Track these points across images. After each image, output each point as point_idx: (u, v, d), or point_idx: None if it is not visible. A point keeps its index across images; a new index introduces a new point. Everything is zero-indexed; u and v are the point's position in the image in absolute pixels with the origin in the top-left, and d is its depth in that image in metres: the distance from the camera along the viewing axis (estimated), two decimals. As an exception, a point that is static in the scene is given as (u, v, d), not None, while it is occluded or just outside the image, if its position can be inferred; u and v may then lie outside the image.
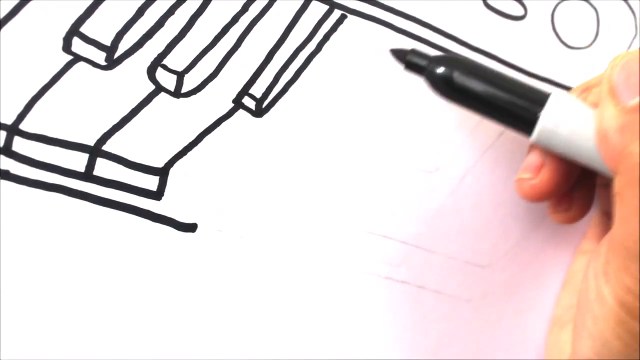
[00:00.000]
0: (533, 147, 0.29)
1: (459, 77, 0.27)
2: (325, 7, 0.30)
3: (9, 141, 0.25)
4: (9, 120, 0.25)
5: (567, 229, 0.34)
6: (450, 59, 0.28)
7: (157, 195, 0.27)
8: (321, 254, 0.29)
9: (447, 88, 0.27)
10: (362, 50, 0.30)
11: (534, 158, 0.28)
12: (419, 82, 0.29)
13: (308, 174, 0.29)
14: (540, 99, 0.26)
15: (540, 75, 0.34)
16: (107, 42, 0.27)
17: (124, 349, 0.27)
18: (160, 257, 0.27)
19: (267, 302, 0.29)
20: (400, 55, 0.28)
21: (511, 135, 0.33)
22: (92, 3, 0.27)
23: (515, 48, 0.34)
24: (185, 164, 0.28)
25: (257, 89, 0.29)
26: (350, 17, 0.30)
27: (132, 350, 0.27)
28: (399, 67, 0.29)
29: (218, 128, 0.28)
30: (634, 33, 0.36)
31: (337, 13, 0.30)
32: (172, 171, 0.27)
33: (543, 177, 0.28)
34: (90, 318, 0.26)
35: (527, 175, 0.28)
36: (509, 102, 0.27)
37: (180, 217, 0.27)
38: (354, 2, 0.30)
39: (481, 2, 0.33)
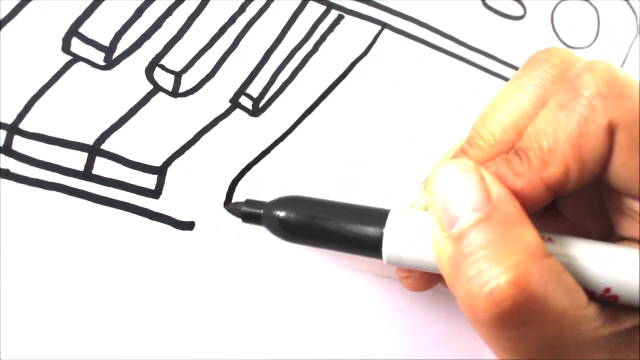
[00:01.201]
0: None
1: (297, 217, 0.26)
2: (323, 8, 0.30)
3: (9, 140, 0.26)
4: (9, 119, 0.26)
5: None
6: (283, 202, 0.27)
7: (156, 193, 0.27)
8: (318, 253, 0.29)
9: (287, 231, 0.26)
10: (359, 51, 0.31)
11: None
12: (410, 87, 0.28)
13: (304, 172, 0.30)
14: (377, 223, 0.24)
15: (540, 75, 0.34)
16: (106, 42, 0.27)
17: (123, 347, 0.27)
18: (158, 255, 0.27)
19: (265, 300, 0.29)
20: (235, 209, 0.28)
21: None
22: (91, 4, 0.27)
23: (515, 48, 0.34)
24: (183, 162, 0.28)
25: (254, 89, 0.29)
26: (347, 18, 0.30)
27: (132, 347, 0.27)
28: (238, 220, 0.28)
29: (215, 127, 0.28)
30: (635, 33, 0.36)
31: (334, 13, 0.30)
32: (170, 170, 0.28)
33: (416, 275, 0.27)
34: (90, 316, 0.26)
35: (402, 274, 0.27)
36: (351, 233, 0.25)
37: (178, 215, 0.28)
38: (351, 3, 0.30)
39: (480, 1, 0.33)
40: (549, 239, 0.22)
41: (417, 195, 0.26)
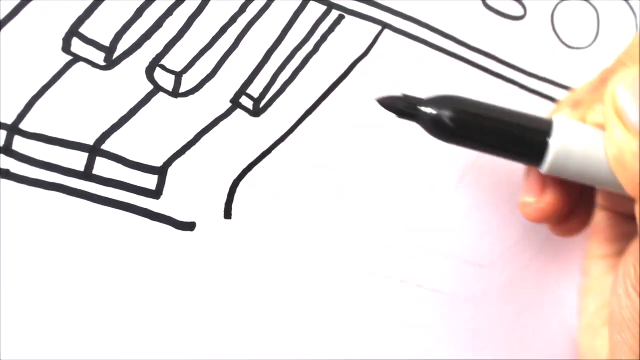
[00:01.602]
0: (531, 168, 0.28)
1: (456, 117, 0.25)
2: (323, 8, 0.30)
3: (9, 140, 0.26)
4: (9, 119, 0.26)
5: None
6: (445, 99, 0.25)
7: (156, 194, 0.27)
8: (319, 253, 0.30)
9: (445, 131, 0.25)
10: (359, 51, 0.31)
11: (535, 180, 0.28)
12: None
13: (305, 172, 0.30)
14: (543, 128, 0.25)
15: (540, 75, 0.34)
16: (106, 42, 0.27)
17: (123, 348, 0.27)
18: (158, 256, 0.27)
19: (266, 301, 0.29)
20: (389, 102, 0.26)
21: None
22: (91, 4, 0.27)
23: (515, 48, 0.34)
24: (184, 163, 0.28)
25: (255, 89, 0.29)
26: (348, 18, 0.30)
27: (132, 348, 0.27)
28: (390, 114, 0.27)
29: (216, 127, 0.28)
30: (634, 33, 0.36)
31: (334, 13, 0.30)
32: (171, 170, 0.28)
33: (547, 199, 0.27)
34: (90, 317, 0.26)
35: (530, 199, 0.27)
36: (513, 137, 0.25)
37: (179, 215, 0.28)
38: (352, 3, 0.30)
39: (480, 1, 0.33)
40: None
41: (569, 113, 0.27)
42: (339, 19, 0.30)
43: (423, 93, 0.30)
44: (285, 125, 0.29)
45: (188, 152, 0.28)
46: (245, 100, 0.29)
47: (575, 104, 0.27)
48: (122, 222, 0.27)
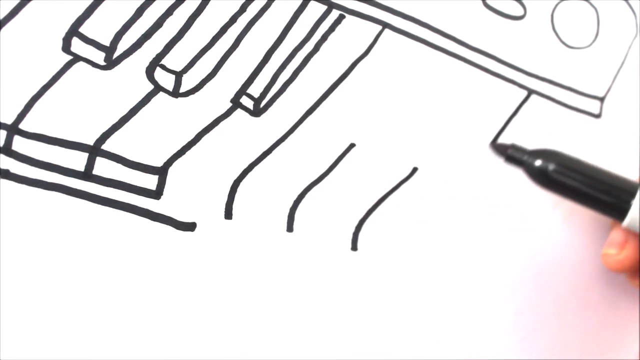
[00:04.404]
0: (616, 223, 0.31)
1: (555, 170, 0.30)
2: (324, 8, 0.30)
3: (9, 140, 0.26)
4: (9, 119, 0.26)
5: (568, 229, 0.34)
6: (547, 153, 0.30)
7: (156, 194, 0.27)
8: (318, 253, 0.30)
9: (545, 180, 0.30)
10: (360, 50, 0.31)
11: (618, 235, 0.31)
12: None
13: (306, 172, 0.30)
14: (630, 189, 0.29)
15: (540, 75, 0.34)
16: (106, 42, 0.27)
17: (123, 348, 0.27)
18: (159, 256, 0.27)
19: (266, 301, 0.29)
20: (501, 149, 0.31)
21: (518, 129, 0.33)
22: (92, 4, 0.27)
23: (515, 48, 0.34)
24: (184, 163, 0.28)
25: (255, 89, 0.29)
26: (349, 17, 0.30)
27: (132, 349, 0.27)
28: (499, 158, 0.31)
29: (216, 127, 0.28)
30: (634, 33, 0.36)
31: (335, 13, 0.30)
32: (171, 170, 0.28)
33: (627, 253, 0.29)
34: (90, 317, 0.26)
35: (612, 251, 0.30)
36: (602, 194, 0.30)
37: (179, 216, 0.28)
38: (352, 2, 0.30)
39: (480, 1, 0.33)
40: None
41: None
42: (340, 18, 0.30)
43: (424, 94, 0.30)
44: (286, 125, 0.29)
45: (189, 152, 0.28)
46: (245, 100, 0.29)
47: None
48: (122, 223, 0.27)
